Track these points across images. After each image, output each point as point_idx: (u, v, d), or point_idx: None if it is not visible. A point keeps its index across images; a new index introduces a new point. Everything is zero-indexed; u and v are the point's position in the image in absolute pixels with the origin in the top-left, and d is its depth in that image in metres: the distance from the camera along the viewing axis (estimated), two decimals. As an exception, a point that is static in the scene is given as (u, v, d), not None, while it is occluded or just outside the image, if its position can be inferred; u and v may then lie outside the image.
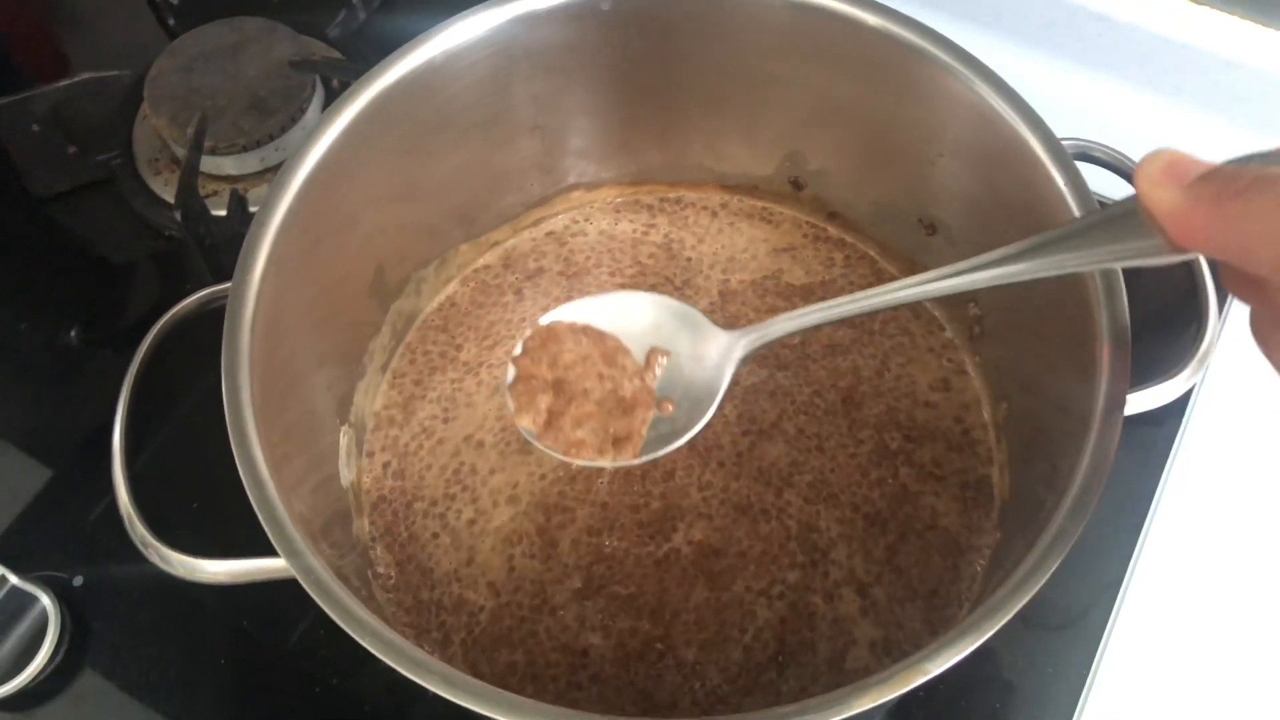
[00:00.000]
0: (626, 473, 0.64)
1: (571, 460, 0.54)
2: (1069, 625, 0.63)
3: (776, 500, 0.62)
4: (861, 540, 0.61)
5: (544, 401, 0.55)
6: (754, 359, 0.66)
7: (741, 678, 0.57)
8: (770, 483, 0.63)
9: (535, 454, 0.64)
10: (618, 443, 0.54)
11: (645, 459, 0.54)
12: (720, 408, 0.54)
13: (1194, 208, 0.35)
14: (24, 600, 0.63)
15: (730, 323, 0.67)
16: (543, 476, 0.64)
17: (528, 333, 0.57)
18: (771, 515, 0.62)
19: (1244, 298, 0.40)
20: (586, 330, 0.57)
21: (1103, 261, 0.43)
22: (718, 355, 0.54)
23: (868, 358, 0.67)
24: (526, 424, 0.55)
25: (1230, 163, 0.36)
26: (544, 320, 0.57)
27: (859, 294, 0.50)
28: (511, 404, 0.56)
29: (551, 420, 0.55)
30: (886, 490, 0.62)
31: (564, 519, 0.62)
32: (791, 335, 0.54)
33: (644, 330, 0.56)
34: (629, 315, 0.57)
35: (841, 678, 0.57)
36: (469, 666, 0.58)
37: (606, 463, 0.54)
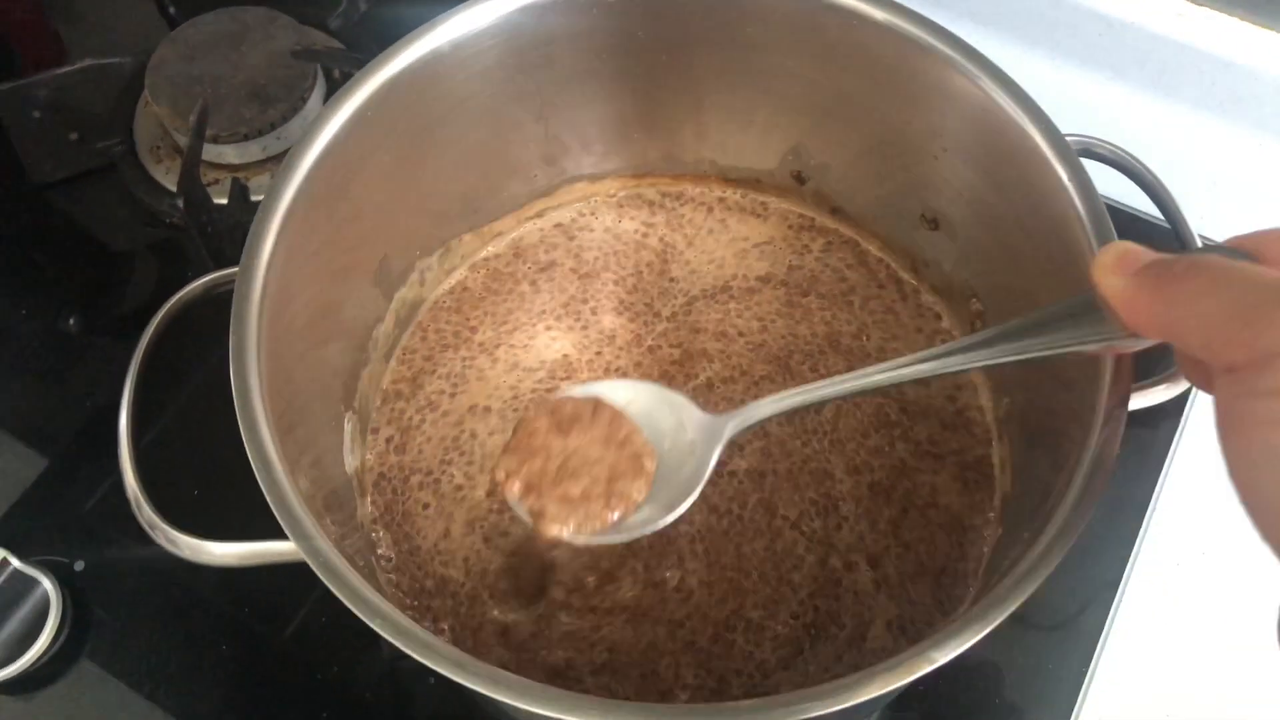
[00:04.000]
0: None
1: (541, 531, 0.52)
2: (1067, 624, 0.64)
3: (800, 425, 0.65)
4: (867, 507, 0.62)
5: (536, 464, 0.53)
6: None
7: (785, 647, 0.58)
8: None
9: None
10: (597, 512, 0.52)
11: (616, 538, 0.52)
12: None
13: (1138, 293, 0.37)
14: (26, 584, 0.64)
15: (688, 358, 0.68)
16: None
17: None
18: (797, 436, 0.64)
19: (1197, 384, 0.42)
20: (598, 405, 0.55)
21: (1067, 346, 0.44)
22: (702, 441, 0.53)
23: (844, 323, 0.70)
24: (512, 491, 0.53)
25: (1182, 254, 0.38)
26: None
27: (838, 378, 0.51)
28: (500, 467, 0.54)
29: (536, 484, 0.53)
30: (885, 461, 0.63)
31: None
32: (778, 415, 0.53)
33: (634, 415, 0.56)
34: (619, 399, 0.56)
35: (861, 658, 0.58)
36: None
37: (573, 536, 0.52)
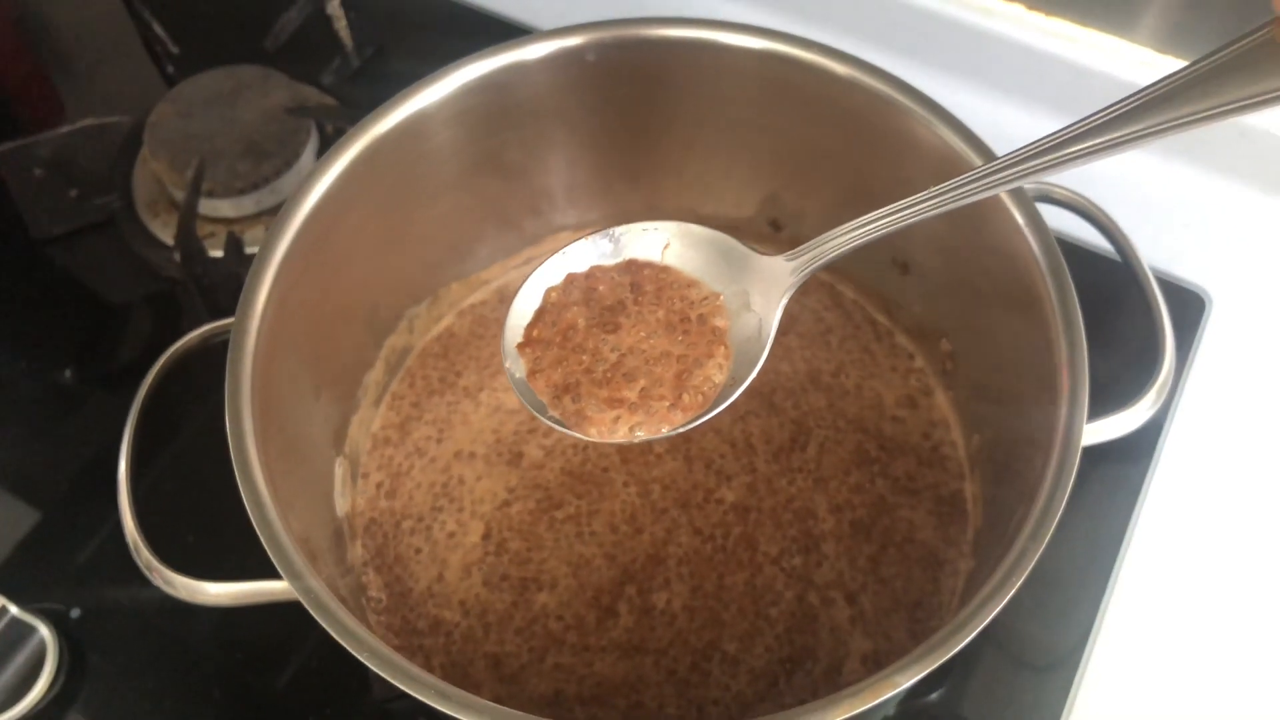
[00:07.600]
0: (642, 449, 0.66)
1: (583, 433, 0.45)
2: (1045, 658, 0.64)
3: (786, 464, 0.66)
4: (847, 545, 0.64)
5: (577, 362, 0.45)
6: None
7: (761, 681, 0.60)
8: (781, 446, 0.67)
9: (521, 467, 0.67)
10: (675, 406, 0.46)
11: (697, 421, 0.46)
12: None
13: None
14: (23, 631, 0.64)
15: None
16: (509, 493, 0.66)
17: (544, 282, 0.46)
18: (783, 474, 0.66)
19: None
20: (636, 274, 0.46)
21: (1243, 102, 0.36)
22: (764, 287, 0.47)
23: (823, 361, 0.71)
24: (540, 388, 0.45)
25: None
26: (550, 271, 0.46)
27: (934, 190, 0.43)
28: (523, 366, 0.46)
29: (574, 386, 0.45)
30: (867, 498, 0.65)
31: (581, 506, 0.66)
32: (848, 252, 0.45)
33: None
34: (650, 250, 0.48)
35: (836, 692, 0.59)
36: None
37: (626, 439, 0.44)
